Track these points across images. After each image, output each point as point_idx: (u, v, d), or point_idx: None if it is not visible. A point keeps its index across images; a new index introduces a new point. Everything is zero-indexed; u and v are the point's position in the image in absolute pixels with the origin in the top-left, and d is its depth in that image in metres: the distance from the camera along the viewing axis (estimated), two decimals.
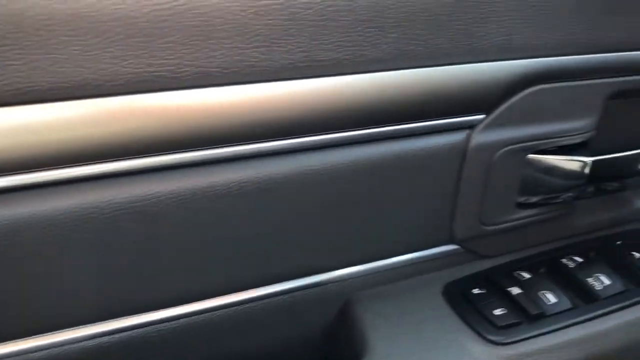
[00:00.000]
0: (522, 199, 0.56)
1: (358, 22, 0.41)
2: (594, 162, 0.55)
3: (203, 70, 0.38)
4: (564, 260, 0.59)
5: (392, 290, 0.55)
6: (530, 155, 0.54)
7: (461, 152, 0.50)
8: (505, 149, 0.52)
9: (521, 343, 0.50)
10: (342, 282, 0.53)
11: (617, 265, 0.59)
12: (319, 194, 0.47)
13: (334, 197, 0.47)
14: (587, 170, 0.55)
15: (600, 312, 0.53)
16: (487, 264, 0.59)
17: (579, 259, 0.59)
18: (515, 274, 0.57)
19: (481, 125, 0.50)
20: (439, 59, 0.45)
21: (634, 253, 0.60)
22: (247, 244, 0.46)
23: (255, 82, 0.40)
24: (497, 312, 0.52)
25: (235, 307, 0.49)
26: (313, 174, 0.45)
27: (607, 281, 0.56)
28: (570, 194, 0.57)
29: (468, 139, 0.50)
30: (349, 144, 0.46)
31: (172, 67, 0.37)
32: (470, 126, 0.50)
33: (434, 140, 0.49)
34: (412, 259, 0.55)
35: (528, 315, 0.52)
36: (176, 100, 0.39)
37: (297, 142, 0.44)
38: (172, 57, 0.37)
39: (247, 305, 0.49)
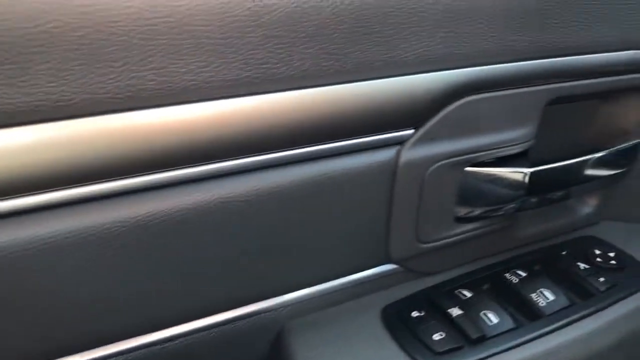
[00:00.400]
0: (461, 213, 0.54)
1: (267, 39, 0.38)
2: (532, 173, 0.53)
3: (92, 97, 0.34)
4: (507, 275, 0.57)
5: (328, 316, 0.52)
6: (468, 168, 0.51)
7: (391, 169, 0.47)
8: (439, 163, 0.49)
9: None
10: (276, 311, 0.50)
11: (562, 278, 0.57)
12: (245, 220, 0.43)
13: (260, 222, 0.44)
14: (526, 181, 0.53)
15: (543, 330, 0.51)
16: (428, 282, 0.57)
17: (523, 273, 0.57)
18: (457, 292, 0.55)
19: (411, 141, 0.47)
20: (359, 74, 0.42)
21: (579, 264, 0.58)
22: (175, 277, 0.43)
23: (153, 107, 0.36)
24: (436, 336, 0.49)
25: (166, 343, 0.46)
26: (236, 200, 0.42)
27: (551, 296, 0.54)
28: (511, 206, 0.55)
29: (398, 155, 0.47)
30: (271, 166, 0.43)
31: (55, 95, 0.34)
32: (400, 142, 0.47)
33: (363, 159, 0.46)
34: (348, 282, 0.53)
35: (468, 339, 0.49)
36: (65, 131, 0.35)
37: (215, 168, 0.41)
38: (53, 84, 0.33)
39: (178, 341, 0.47)
